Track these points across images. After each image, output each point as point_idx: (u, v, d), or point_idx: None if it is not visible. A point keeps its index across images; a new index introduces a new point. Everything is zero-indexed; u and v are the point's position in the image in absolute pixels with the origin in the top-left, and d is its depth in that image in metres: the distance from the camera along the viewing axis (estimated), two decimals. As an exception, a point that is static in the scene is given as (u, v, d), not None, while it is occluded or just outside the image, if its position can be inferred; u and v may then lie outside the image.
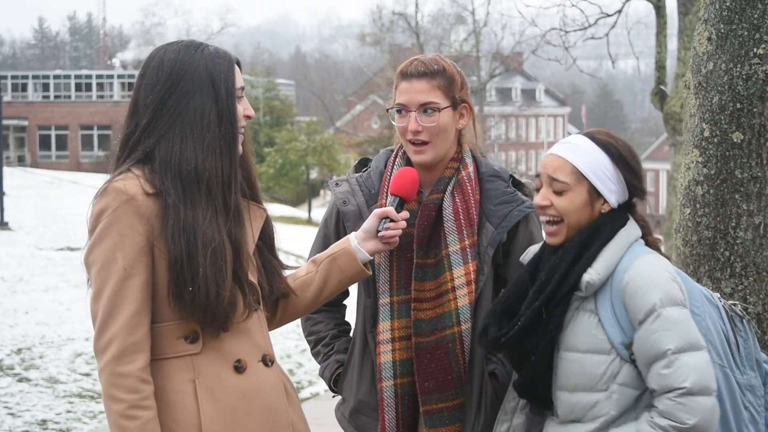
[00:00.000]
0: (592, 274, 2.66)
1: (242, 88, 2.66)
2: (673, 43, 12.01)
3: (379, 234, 2.87)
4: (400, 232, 2.90)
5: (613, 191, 2.73)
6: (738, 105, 3.23)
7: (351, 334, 3.32)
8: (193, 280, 2.46)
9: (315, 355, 3.34)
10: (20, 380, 9.09)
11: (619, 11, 13.42)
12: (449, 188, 3.09)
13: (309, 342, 3.36)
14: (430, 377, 3.03)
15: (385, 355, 3.07)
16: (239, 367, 2.59)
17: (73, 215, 26.15)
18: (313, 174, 47.59)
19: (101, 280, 2.47)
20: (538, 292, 2.72)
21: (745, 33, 3.22)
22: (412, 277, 3.06)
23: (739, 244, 3.24)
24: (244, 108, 2.66)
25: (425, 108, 3.03)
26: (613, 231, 2.72)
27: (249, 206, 2.73)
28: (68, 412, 8.01)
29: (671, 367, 2.55)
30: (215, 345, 2.57)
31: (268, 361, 2.66)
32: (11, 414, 7.84)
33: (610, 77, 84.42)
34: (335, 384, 3.27)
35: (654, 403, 2.59)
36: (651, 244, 2.78)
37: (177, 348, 2.55)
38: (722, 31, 3.26)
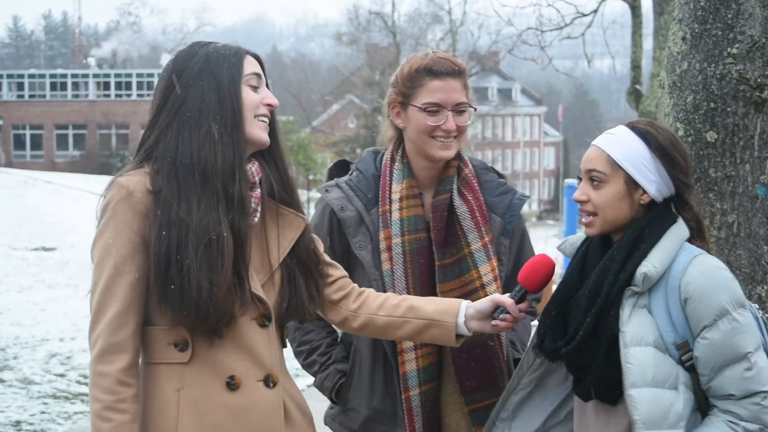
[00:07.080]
0: (648, 267, 2.54)
1: (258, 75, 2.55)
2: (648, 43, 12.05)
3: (493, 323, 2.72)
4: (516, 324, 2.77)
5: (652, 181, 2.62)
6: (712, 104, 3.24)
7: (339, 341, 3.24)
8: (180, 275, 2.37)
9: (309, 365, 3.21)
10: (-6, 381, 9.02)
11: (595, 11, 13.47)
12: (454, 186, 3.09)
13: (300, 352, 3.23)
14: (471, 376, 3.01)
15: (410, 364, 3.02)
16: (231, 384, 2.48)
17: (48, 215, 25.98)
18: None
19: (97, 275, 2.44)
20: (591, 298, 2.60)
21: (719, 33, 3.23)
22: (430, 283, 3.02)
23: (712, 243, 3.24)
24: (263, 96, 2.56)
25: (459, 108, 3.06)
26: (663, 228, 2.61)
27: (281, 213, 2.61)
28: (42, 413, 7.94)
29: (753, 369, 2.50)
30: (207, 357, 2.47)
31: (270, 382, 2.53)
32: (-15, 415, 7.78)
33: (586, 77, 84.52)
34: (337, 395, 3.17)
35: (730, 409, 2.52)
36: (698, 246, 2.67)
37: (166, 354, 2.47)
38: (696, 30, 3.27)
